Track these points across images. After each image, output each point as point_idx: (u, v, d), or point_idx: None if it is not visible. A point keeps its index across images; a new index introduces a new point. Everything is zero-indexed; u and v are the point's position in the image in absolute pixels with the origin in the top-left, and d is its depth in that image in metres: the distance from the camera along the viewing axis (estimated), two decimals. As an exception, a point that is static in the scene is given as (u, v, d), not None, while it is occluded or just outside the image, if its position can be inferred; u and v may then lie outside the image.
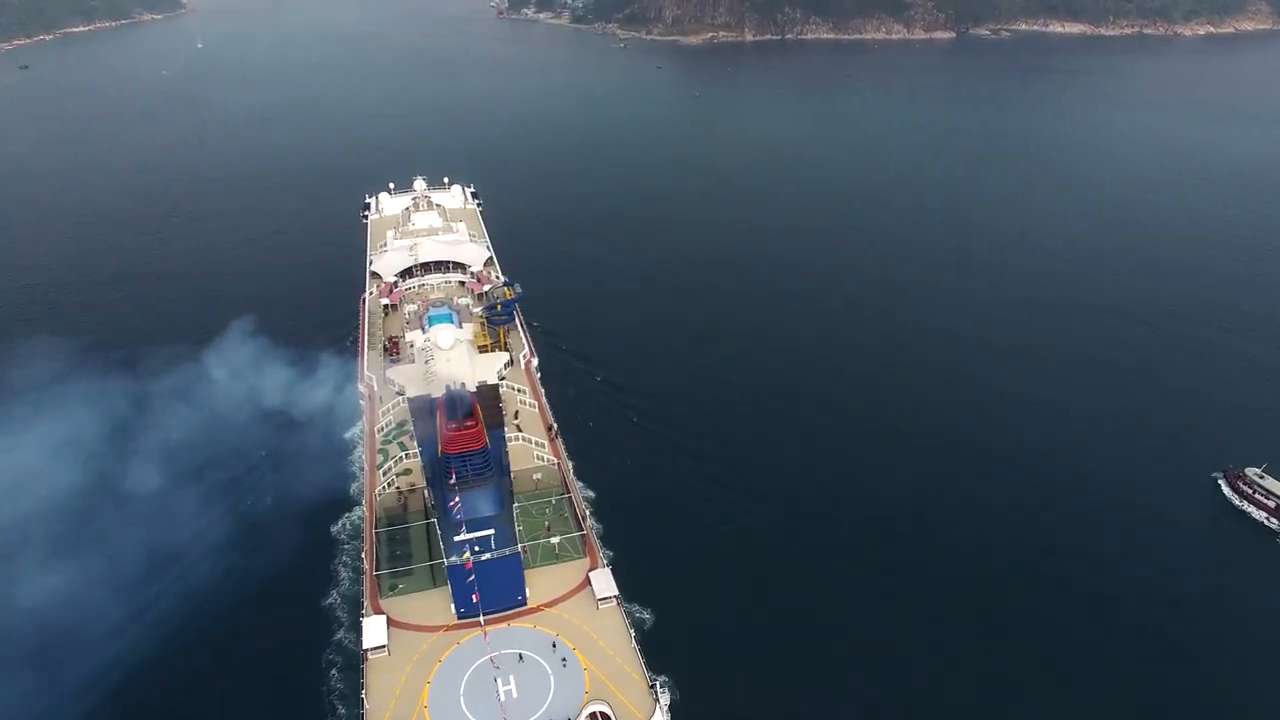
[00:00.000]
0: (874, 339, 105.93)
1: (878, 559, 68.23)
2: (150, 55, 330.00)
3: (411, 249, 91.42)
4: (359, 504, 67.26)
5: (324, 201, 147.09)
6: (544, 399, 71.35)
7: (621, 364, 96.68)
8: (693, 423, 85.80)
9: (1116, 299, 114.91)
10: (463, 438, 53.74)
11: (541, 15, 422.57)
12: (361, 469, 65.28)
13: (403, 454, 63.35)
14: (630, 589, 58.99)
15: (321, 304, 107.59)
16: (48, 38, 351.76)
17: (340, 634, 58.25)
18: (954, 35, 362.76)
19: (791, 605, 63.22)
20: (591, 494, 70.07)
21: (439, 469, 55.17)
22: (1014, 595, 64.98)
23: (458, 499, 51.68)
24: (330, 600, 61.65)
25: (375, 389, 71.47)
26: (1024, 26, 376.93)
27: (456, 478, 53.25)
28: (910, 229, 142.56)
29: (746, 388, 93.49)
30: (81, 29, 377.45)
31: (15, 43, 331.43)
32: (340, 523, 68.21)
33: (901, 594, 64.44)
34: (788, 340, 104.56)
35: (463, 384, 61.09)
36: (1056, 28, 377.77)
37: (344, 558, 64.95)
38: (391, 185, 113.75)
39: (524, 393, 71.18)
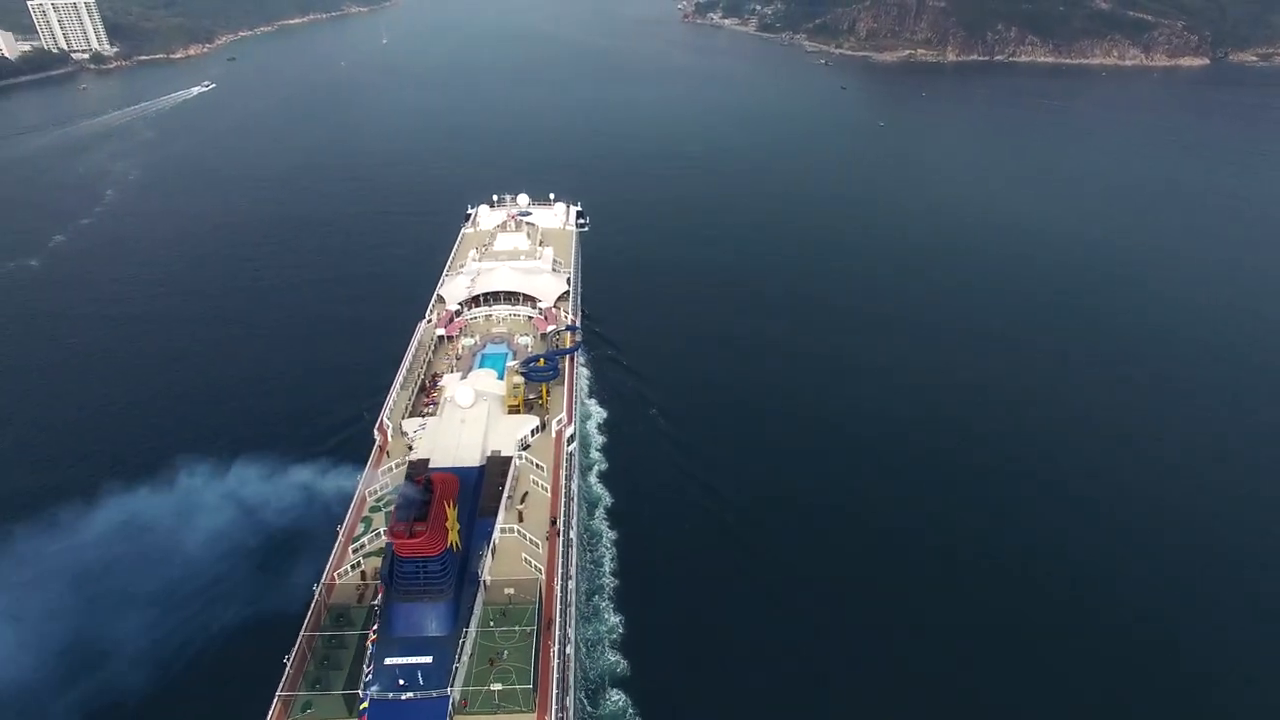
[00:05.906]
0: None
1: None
2: (341, 49, 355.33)
3: (477, 275, 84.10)
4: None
5: (444, 204, 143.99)
6: (563, 482, 60.34)
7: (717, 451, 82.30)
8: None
9: None
10: (410, 545, 44.18)
11: (727, 21, 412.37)
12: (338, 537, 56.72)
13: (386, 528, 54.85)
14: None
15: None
16: (267, 29, 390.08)
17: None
18: (1207, 62, 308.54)
19: None
20: (620, 620, 58.01)
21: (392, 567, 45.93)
22: None
23: (374, 627, 42.00)
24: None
25: (389, 439, 64.10)
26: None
27: (394, 589, 43.82)
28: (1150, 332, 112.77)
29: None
30: (297, 21, 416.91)
31: (240, 33, 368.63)
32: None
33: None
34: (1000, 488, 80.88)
35: (421, 479, 48.37)
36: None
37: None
38: (494, 198, 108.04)
39: (543, 470, 60.38)
